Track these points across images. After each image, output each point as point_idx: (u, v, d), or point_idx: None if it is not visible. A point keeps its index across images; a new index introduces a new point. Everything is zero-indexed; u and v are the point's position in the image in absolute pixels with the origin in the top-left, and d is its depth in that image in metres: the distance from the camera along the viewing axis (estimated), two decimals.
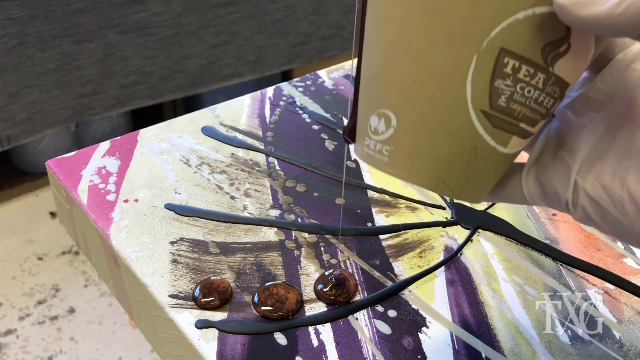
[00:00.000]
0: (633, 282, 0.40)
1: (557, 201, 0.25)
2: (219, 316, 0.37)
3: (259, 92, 0.56)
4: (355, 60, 0.29)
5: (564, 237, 0.43)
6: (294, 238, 0.42)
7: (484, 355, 0.36)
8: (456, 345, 0.36)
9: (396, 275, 0.40)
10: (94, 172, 0.46)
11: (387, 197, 0.46)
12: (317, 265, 0.40)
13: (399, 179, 0.28)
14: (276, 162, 0.48)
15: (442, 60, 0.23)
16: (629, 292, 0.40)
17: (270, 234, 0.42)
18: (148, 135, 0.50)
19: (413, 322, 0.37)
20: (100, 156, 0.48)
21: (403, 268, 0.40)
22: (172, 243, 0.41)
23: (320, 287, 0.38)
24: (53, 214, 1.42)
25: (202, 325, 0.36)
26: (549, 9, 0.22)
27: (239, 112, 0.53)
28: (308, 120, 0.53)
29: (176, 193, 0.45)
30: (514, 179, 0.26)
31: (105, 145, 0.49)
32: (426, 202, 0.46)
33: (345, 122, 0.53)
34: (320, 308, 0.38)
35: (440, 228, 0.43)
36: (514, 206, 0.46)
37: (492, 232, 0.43)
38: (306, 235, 0.42)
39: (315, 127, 0.52)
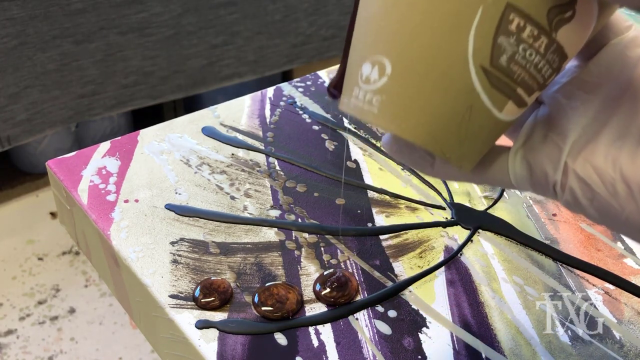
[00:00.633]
0: (633, 282, 0.40)
1: (544, 184, 0.25)
2: (219, 316, 0.37)
3: (259, 92, 0.56)
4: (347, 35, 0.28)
5: (564, 237, 0.43)
6: (294, 238, 0.42)
7: (483, 355, 0.36)
8: (456, 345, 0.36)
9: (396, 275, 0.40)
10: (94, 172, 0.46)
11: (387, 197, 0.46)
12: (317, 265, 0.40)
13: (386, 131, 0.26)
14: (276, 162, 0.48)
15: (446, 6, 0.22)
16: (629, 292, 0.40)
17: (270, 234, 0.42)
18: (148, 135, 0.50)
19: (413, 322, 0.37)
20: (101, 156, 0.48)
21: (403, 268, 0.40)
22: (172, 243, 0.41)
23: (318, 287, 0.38)
24: (53, 214, 1.42)
25: (202, 325, 0.36)
26: None
27: (239, 112, 0.53)
28: (308, 120, 0.53)
29: (176, 193, 0.45)
30: (500, 159, 0.26)
31: (105, 146, 0.49)
32: (426, 202, 0.46)
33: (345, 121, 0.53)
34: (320, 308, 0.38)
35: (440, 228, 0.43)
36: (514, 206, 0.46)
37: (492, 232, 0.43)
38: (306, 235, 0.42)
39: (315, 127, 0.52)
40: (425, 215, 0.44)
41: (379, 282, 0.39)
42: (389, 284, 0.39)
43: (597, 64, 0.25)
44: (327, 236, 0.42)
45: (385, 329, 0.37)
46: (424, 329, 0.37)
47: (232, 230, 0.42)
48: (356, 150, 0.50)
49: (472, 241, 0.43)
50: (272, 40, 1.37)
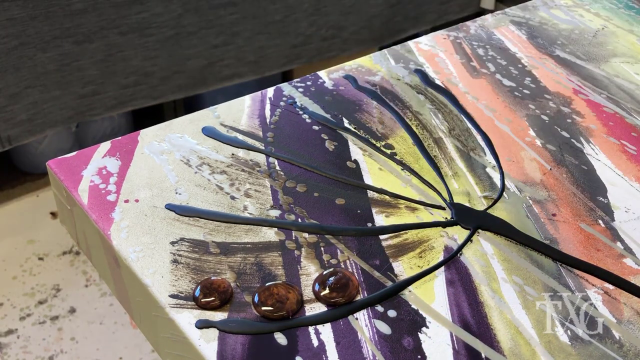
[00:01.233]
0: (632, 282, 0.40)
1: None
2: (219, 316, 0.37)
3: (259, 93, 0.56)
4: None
5: (564, 237, 0.43)
6: (294, 238, 0.42)
7: (483, 355, 0.36)
8: (456, 345, 0.36)
9: (396, 275, 0.40)
10: (94, 172, 0.46)
11: (386, 197, 0.46)
12: (317, 265, 0.40)
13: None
14: (276, 162, 0.48)
15: None
16: (629, 292, 0.40)
17: (270, 234, 0.42)
18: (148, 135, 0.50)
19: (413, 322, 0.37)
20: (101, 156, 0.48)
21: (403, 268, 0.40)
22: (173, 243, 0.41)
23: (317, 287, 0.38)
24: (53, 214, 1.42)
25: (202, 325, 0.36)
26: None
27: (239, 112, 0.53)
28: (308, 121, 0.53)
29: (176, 193, 0.45)
30: None
31: (105, 146, 0.49)
32: (426, 202, 0.46)
33: (345, 121, 0.53)
34: (320, 308, 0.38)
35: (439, 228, 0.44)
36: (514, 206, 0.46)
37: (492, 232, 0.44)
38: (306, 235, 0.42)
39: (315, 127, 0.52)
40: (425, 215, 0.44)
41: (378, 282, 0.40)
42: (389, 283, 0.39)
43: None
44: (327, 236, 0.42)
45: (385, 328, 0.37)
46: (424, 328, 0.37)
47: (232, 230, 0.42)
48: (356, 150, 0.50)
49: (471, 241, 0.43)
50: (272, 40, 1.37)
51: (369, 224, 0.43)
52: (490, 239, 0.43)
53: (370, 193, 0.46)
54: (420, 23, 1.57)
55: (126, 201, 0.44)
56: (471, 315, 0.38)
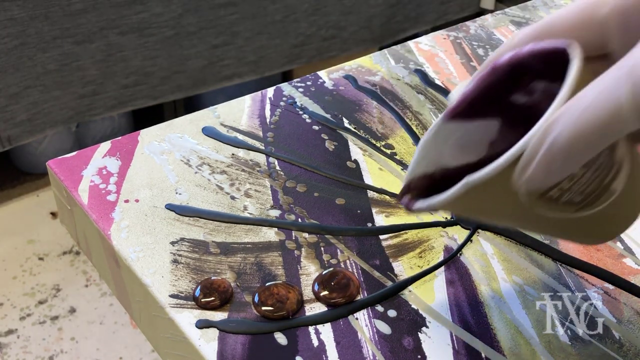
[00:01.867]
0: (633, 282, 0.40)
1: None
2: (219, 316, 0.37)
3: (259, 93, 0.56)
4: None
5: None
6: (294, 238, 0.42)
7: (483, 355, 0.36)
8: (456, 345, 0.36)
9: (396, 275, 0.40)
10: (94, 172, 0.46)
11: (387, 197, 0.46)
12: (317, 265, 0.40)
13: None
14: (276, 162, 0.48)
15: None
16: (629, 292, 0.40)
17: (270, 234, 0.42)
18: (148, 135, 0.50)
19: (413, 321, 0.37)
20: (101, 156, 0.48)
21: (403, 268, 0.41)
22: (173, 243, 0.41)
23: (317, 287, 0.38)
24: (53, 214, 1.42)
25: (202, 325, 0.36)
26: None
27: (239, 112, 0.53)
28: (308, 121, 0.53)
29: (176, 193, 0.45)
30: None
31: (105, 146, 0.49)
32: None
33: (345, 121, 0.53)
34: (320, 308, 0.38)
35: (439, 228, 0.44)
36: None
37: (492, 232, 0.44)
38: (306, 235, 0.42)
39: (315, 127, 0.52)
40: (425, 215, 0.44)
41: (378, 282, 0.40)
42: (389, 283, 0.39)
43: None
44: (327, 236, 0.42)
45: (385, 328, 0.37)
46: (424, 328, 0.37)
47: (232, 230, 0.42)
48: (356, 150, 0.50)
49: (471, 241, 0.43)
50: (272, 40, 1.37)
51: (369, 224, 0.43)
52: (490, 239, 0.43)
53: (370, 193, 0.46)
54: (420, 23, 1.57)
55: (126, 201, 0.44)
56: (471, 315, 0.38)
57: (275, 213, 0.44)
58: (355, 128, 0.52)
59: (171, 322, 0.37)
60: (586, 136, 0.24)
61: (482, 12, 1.61)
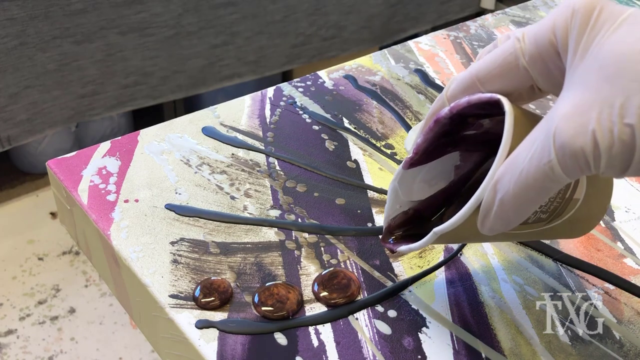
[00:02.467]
0: (633, 282, 0.40)
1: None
2: (219, 316, 0.37)
3: (259, 92, 0.56)
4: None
5: (565, 240, 0.43)
6: (294, 238, 0.42)
7: (483, 355, 0.36)
8: (456, 345, 0.36)
9: (396, 275, 0.40)
10: (94, 172, 0.46)
11: (387, 197, 0.46)
12: (317, 265, 0.40)
13: None
14: (276, 162, 0.48)
15: None
16: (629, 292, 0.40)
17: (270, 234, 0.42)
18: (148, 135, 0.50)
19: (413, 322, 0.37)
20: (101, 156, 0.48)
21: (403, 268, 0.40)
22: (172, 243, 0.41)
23: (317, 288, 0.38)
24: (53, 214, 1.42)
25: (202, 325, 0.36)
26: None
27: (239, 112, 0.53)
28: (308, 120, 0.53)
29: (176, 193, 0.45)
30: None
31: (105, 145, 0.49)
32: None
33: (346, 121, 0.53)
34: (320, 308, 0.38)
35: None
36: None
37: None
38: (306, 235, 0.42)
39: (315, 127, 0.52)
40: None
41: (379, 282, 0.39)
42: (389, 284, 0.39)
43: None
44: (327, 236, 0.42)
45: (385, 328, 0.37)
46: (424, 328, 0.37)
47: (232, 230, 0.42)
48: (356, 150, 0.50)
49: None
50: (272, 40, 1.37)
51: (369, 224, 0.43)
52: None
53: (371, 193, 0.46)
54: (420, 23, 1.57)
55: (126, 201, 0.44)
56: (471, 315, 0.38)
57: (275, 213, 0.44)
58: (355, 128, 0.52)
59: (171, 322, 0.37)
60: (527, 194, 0.28)
61: (482, 12, 1.61)
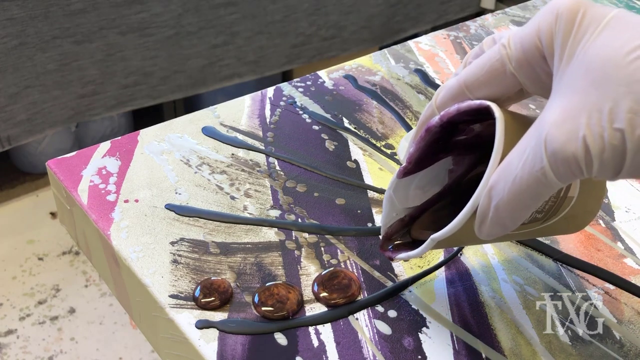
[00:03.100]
0: (633, 282, 0.40)
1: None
2: (219, 316, 0.37)
3: (259, 92, 0.56)
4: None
5: (564, 237, 0.43)
6: (294, 238, 0.42)
7: (483, 355, 0.36)
8: (456, 345, 0.36)
9: (396, 275, 0.40)
10: (94, 172, 0.46)
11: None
12: (317, 265, 0.40)
13: None
14: (276, 162, 0.48)
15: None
16: (629, 292, 0.40)
17: (270, 234, 0.42)
18: (148, 135, 0.50)
19: (413, 322, 0.37)
20: (101, 156, 0.48)
21: (403, 268, 0.40)
22: (172, 243, 0.41)
23: (317, 288, 0.38)
24: (53, 214, 1.42)
25: (202, 325, 0.36)
26: None
27: (239, 112, 0.53)
28: (308, 120, 0.53)
29: (176, 193, 0.45)
30: None
31: (105, 145, 0.49)
32: None
33: (346, 121, 0.53)
34: (320, 308, 0.38)
35: None
36: None
37: None
38: (306, 235, 0.42)
39: (315, 127, 0.52)
40: None
41: (379, 282, 0.39)
42: (389, 284, 0.39)
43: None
44: (327, 236, 0.42)
45: (385, 328, 0.37)
46: (424, 328, 0.37)
47: (232, 230, 0.42)
48: (356, 150, 0.50)
49: None
50: (272, 40, 1.37)
51: (369, 224, 0.43)
52: None
53: (371, 193, 0.46)
54: (420, 23, 1.57)
55: (126, 201, 0.44)
56: (471, 315, 0.38)
57: (275, 213, 0.44)
58: (355, 128, 0.52)
59: (171, 322, 0.37)
60: (522, 200, 0.28)
61: (482, 12, 1.61)
